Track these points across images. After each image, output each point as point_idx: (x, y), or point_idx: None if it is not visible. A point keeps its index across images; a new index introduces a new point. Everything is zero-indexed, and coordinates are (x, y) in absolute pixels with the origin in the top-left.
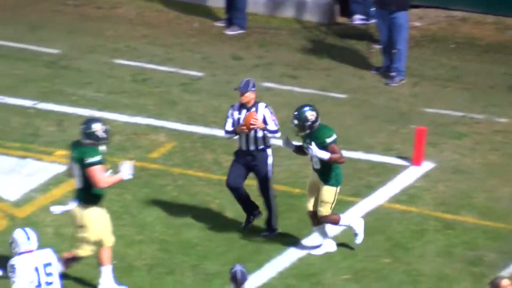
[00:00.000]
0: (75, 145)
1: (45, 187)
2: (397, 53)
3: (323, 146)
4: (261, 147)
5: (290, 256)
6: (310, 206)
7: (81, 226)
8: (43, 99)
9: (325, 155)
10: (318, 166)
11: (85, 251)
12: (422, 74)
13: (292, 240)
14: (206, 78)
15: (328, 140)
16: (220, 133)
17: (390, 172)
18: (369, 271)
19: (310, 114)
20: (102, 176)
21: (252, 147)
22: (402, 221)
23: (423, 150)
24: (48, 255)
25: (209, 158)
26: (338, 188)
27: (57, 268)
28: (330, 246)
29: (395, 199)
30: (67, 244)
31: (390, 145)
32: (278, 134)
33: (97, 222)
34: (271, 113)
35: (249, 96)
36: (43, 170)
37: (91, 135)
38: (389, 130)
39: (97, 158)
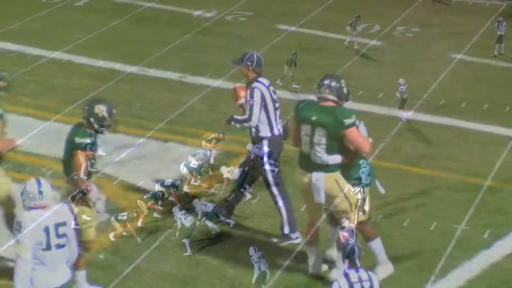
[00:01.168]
0: (312, 107)
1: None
2: None
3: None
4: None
5: (479, 261)
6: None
7: (334, 197)
8: (192, 72)
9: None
10: None
11: (359, 216)
12: None
13: (481, 243)
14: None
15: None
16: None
17: None
18: None
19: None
20: (363, 137)
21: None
22: None
23: None
24: (63, 213)
25: (389, 143)
26: None
27: (73, 228)
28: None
29: None
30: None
31: None
32: (247, 124)
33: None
34: (252, 96)
35: (242, 70)
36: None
37: (340, 91)
38: None
39: (354, 118)
